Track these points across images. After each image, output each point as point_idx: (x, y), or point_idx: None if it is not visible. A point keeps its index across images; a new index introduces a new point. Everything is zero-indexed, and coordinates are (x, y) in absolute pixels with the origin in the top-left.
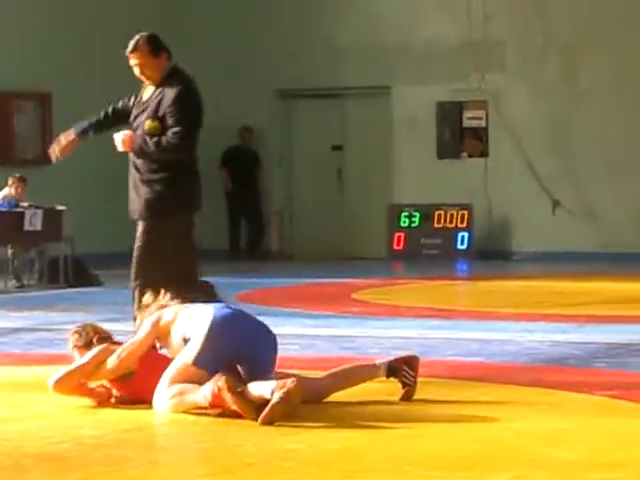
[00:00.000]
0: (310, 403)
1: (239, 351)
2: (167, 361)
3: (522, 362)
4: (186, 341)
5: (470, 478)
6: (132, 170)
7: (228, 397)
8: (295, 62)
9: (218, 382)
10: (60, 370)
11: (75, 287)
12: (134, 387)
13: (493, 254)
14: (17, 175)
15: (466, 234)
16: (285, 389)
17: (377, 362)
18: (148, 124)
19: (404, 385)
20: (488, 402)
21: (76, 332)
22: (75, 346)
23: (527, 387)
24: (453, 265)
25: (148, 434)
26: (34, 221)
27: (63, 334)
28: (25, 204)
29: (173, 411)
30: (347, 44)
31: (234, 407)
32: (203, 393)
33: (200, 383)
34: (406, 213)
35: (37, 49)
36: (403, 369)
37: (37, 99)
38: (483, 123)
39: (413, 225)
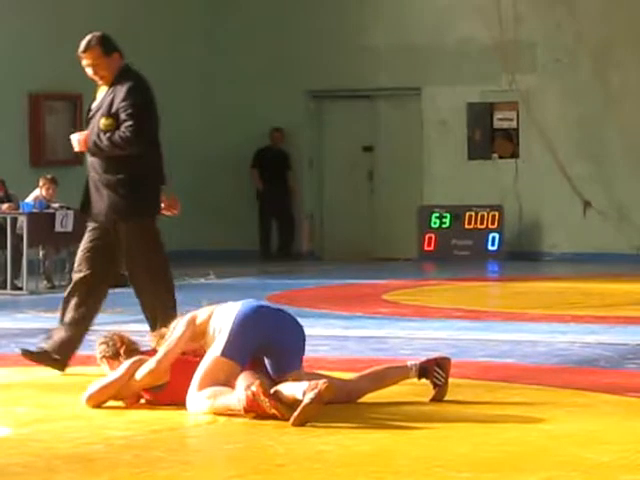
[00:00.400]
0: (342, 404)
1: (266, 340)
2: (195, 364)
3: (553, 363)
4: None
5: (501, 479)
6: (90, 171)
7: (266, 402)
8: (326, 63)
9: (252, 387)
10: (92, 385)
11: None
12: (167, 396)
13: (524, 255)
14: (48, 176)
15: (497, 235)
16: (317, 390)
17: (409, 363)
18: (102, 122)
19: (435, 386)
20: (519, 403)
21: (103, 342)
22: (103, 357)
23: (558, 388)
24: (484, 266)
25: (178, 435)
26: (65, 222)
27: (94, 335)
28: (56, 205)
29: (204, 412)
30: (378, 45)
31: (272, 411)
32: (237, 397)
33: (231, 374)
34: (437, 214)
35: (68, 51)
36: (434, 370)
37: (68, 100)
38: (514, 124)
39: (444, 226)
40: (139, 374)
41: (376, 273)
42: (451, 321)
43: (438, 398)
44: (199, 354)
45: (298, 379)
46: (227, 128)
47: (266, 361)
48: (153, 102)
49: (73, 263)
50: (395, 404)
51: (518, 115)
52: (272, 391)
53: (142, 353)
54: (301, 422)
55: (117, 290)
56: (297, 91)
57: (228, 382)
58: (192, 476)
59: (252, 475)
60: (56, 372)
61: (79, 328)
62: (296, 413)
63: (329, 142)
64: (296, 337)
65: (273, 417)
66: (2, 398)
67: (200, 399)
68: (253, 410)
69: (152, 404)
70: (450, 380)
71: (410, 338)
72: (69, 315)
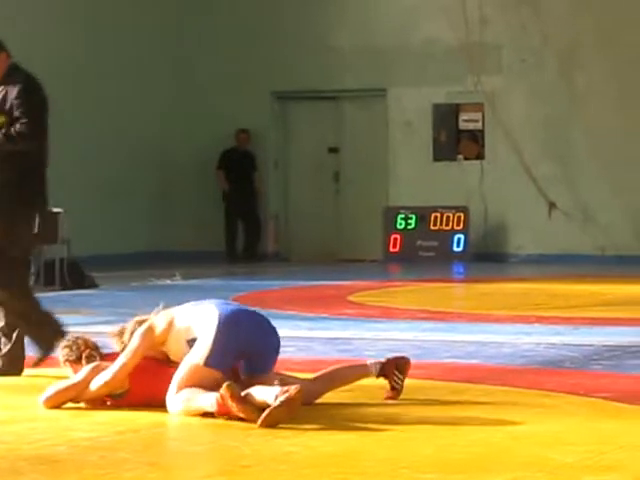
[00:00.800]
0: (304, 405)
1: (247, 346)
2: (157, 367)
3: (518, 364)
4: (189, 342)
5: None
6: None
7: (233, 406)
8: (291, 64)
9: (221, 390)
10: (50, 388)
11: (71, 289)
12: (129, 402)
13: (489, 256)
14: None
15: (462, 236)
16: (287, 394)
17: (368, 362)
18: None
19: (392, 388)
20: (484, 404)
21: (66, 346)
22: (67, 360)
23: (523, 389)
24: (449, 267)
25: (144, 436)
26: None
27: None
28: None
29: (182, 414)
30: (343, 46)
31: (240, 415)
32: (210, 401)
33: (214, 382)
34: (402, 215)
35: (32, 47)
36: (393, 372)
37: None
38: (479, 125)
39: (409, 227)
40: (94, 384)
41: (341, 274)
42: (416, 322)
43: (391, 398)
44: (160, 359)
45: (268, 381)
46: (193, 129)
47: (241, 364)
48: (45, 100)
49: (38, 264)
50: (361, 405)
51: (484, 116)
52: (243, 394)
53: (104, 358)
54: (268, 424)
55: (86, 291)
56: (262, 92)
57: (211, 389)
58: (157, 477)
59: (218, 476)
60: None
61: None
62: (264, 415)
63: (294, 143)
64: (272, 340)
65: (242, 420)
66: None
67: (177, 402)
68: (224, 413)
69: (117, 406)
70: (415, 381)
71: (375, 339)
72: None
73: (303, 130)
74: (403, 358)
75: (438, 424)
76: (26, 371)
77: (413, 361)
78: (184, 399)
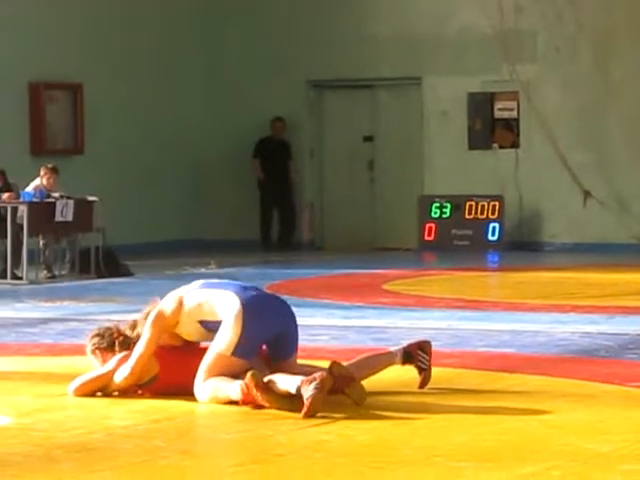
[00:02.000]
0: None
1: (272, 332)
2: (185, 353)
3: (553, 353)
4: (202, 322)
5: (500, 469)
6: None
7: (258, 395)
8: (327, 53)
9: (245, 380)
10: (79, 378)
11: (106, 277)
12: (160, 388)
13: (524, 245)
14: (49, 165)
15: (497, 225)
16: (317, 381)
17: (392, 349)
18: None
19: (420, 370)
20: (519, 393)
21: (97, 335)
22: (97, 348)
23: (558, 378)
24: (484, 256)
25: (178, 424)
26: (65, 212)
27: (94, 324)
28: (56, 194)
29: (209, 402)
30: (379, 35)
31: (265, 403)
32: (235, 390)
33: (241, 370)
34: (437, 204)
35: (69, 40)
36: (418, 354)
37: (68, 89)
38: (514, 114)
39: (444, 216)
40: (117, 377)
41: (376, 263)
42: (451, 311)
43: (425, 383)
44: (180, 344)
45: (293, 365)
46: (229, 118)
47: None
48: None
49: (73, 252)
50: (394, 393)
51: (519, 105)
52: (266, 380)
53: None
54: (312, 414)
55: (121, 280)
56: (298, 81)
57: (237, 376)
58: (192, 465)
59: (251, 464)
60: (57, 362)
61: None
62: (305, 407)
63: (330, 132)
64: (292, 323)
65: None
66: (2, 387)
67: (204, 391)
68: (249, 402)
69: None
70: (450, 370)
71: (410, 328)
72: None
73: (338, 119)
74: (425, 341)
75: (472, 413)
76: (62, 360)
77: (448, 350)
78: (212, 388)
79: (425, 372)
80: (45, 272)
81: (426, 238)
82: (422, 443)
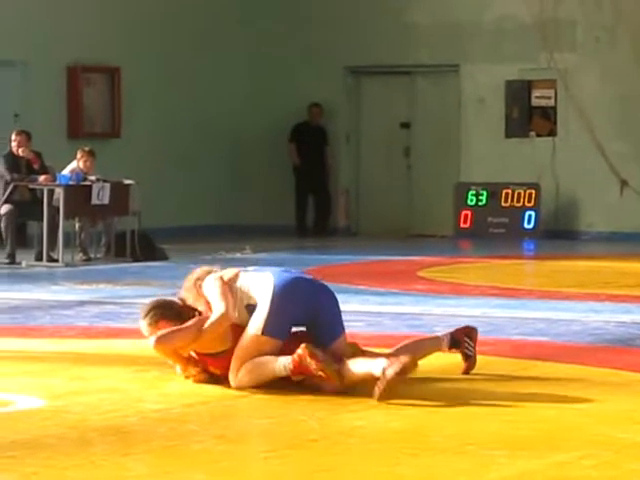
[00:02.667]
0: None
1: (305, 314)
2: None
3: (587, 342)
4: (248, 307)
5: (533, 457)
6: None
7: (312, 364)
8: (365, 39)
9: (298, 350)
10: (160, 332)
11: (141, 261)
12: (225, 364)
13: (560, 234)
14: (86, 148)
15: (533, 213)
16: (401, 364)
17: (440, 335)
18: None
19: (466, 357)
20: (552, 381)
21: (159, 306)
22: (161, 319)
23: (592, 367)
24: (519, 244)
25: (212, 409)
26: (102, 195)
27: (129, 308)
28: (93, 178)
29: (249, 385)
30: (418, 22)
31: (319, 373)
32: (282, 363)
33: (272, 351)
34: (473, 191)
35: (107, 24)
36: (465, 341)
37: (106, 72)
38: (552, 102)
39: (480, 204)
40: (209, 322)
41: (412, 250)
42: (486, 299)
43: (469, 369)
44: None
45: (342, 348)
46: (266, 103)
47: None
48: None
49: (109, 236)
50: (428, 381)
51: (556, 93)
52: (341, 365)
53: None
54: (386, 396)
55: (156, 264)
56: (336, 67)
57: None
58: (226, 450)
59: (285, 450)
60: (91, 344)
61: None
62: (381, 388)
63: (366, 118)
64: (331, 304)
65: (316, 383)
66: (37, 370)
67: (243, 373)
68: (301, 373)
69: (207, 372)
70: (484, 357)
71: (445, 315)
72: None
73: (375, 105)
74: (471, 327)
75: (505, 400)
76: (97, 342)
77: (482, 337)
78: (248, 371)
79: (470, 359)
80: (81, 255)
81: (462, 225)
82: (455, 430)
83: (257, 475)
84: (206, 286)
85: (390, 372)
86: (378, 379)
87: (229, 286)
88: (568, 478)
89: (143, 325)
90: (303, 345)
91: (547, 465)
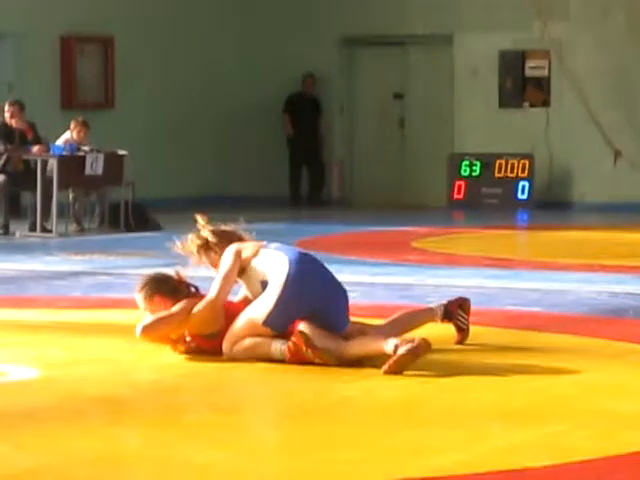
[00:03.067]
0: None
1: (311, 308)
2: None
3: (581, 312)
4: (262, 283)
5: (527, 428)
6: None
7: (309, 352)
8: (359, 9)
9: (293, 338)
10: (146, 319)
11: (135, 231)
12: (217, 344)
13: (553, 204)
14: (79, 119)
15: (527, 184)
16: (415, 343)
17: (433, 306)
18: None
19: (459, 329)
20: (546, 352)
21: (155, 281)
22: (156, 293)
23: (585, 337)
24: (513, 215)
25: (206, 380)
26: (95, 165)
27: (122, 278)
28: (86, 148)
29: (243, 358)
30: None
31: (316, 360)
32: (279, 348)
33: (267, 337)
34: (467, 162)
35: None
36: (458, 313)
37: (99, 43)
38: (545, 72)
39: (474, 174)
40: (198, 307)
41: (405, 220)
42: (479, 269)
43: (462, 341)
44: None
45: (349, 336)
46: (259, 73)
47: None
48: None
49: (103, 206)
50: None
51: (550, 63)
52: (351, 342)
53: (199, 294)
54: (395, 371)
55: (150, 234)
56: (329, 37)
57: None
58: (219, 421)
59: (280, 421)
60: (86, 315)
61: None
62: (390, 362)
63: (360, 89)
64: (340, 299)
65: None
66: (31, 340)
67: (238, 349)
68: (296, 360)
69: (201, 352)
70: (478, 328)
71: (438, 286)
72: None
73: (369, 75)
74: (464, 299)
75: (499, 371)
76: (91, 313)
77: (476, 308)
78: (244, 348)
79: (463, 331)
80: (74, 225)
81: (455, 196)
82: (449, 401)
83: (251, 446)
84: (223, 257)
85: (402, 350)
86: (389, 356)
87: (243, 263)
88: (562, 449)
89: (138, 298)
90: (297, 331)
91: (541, 436)
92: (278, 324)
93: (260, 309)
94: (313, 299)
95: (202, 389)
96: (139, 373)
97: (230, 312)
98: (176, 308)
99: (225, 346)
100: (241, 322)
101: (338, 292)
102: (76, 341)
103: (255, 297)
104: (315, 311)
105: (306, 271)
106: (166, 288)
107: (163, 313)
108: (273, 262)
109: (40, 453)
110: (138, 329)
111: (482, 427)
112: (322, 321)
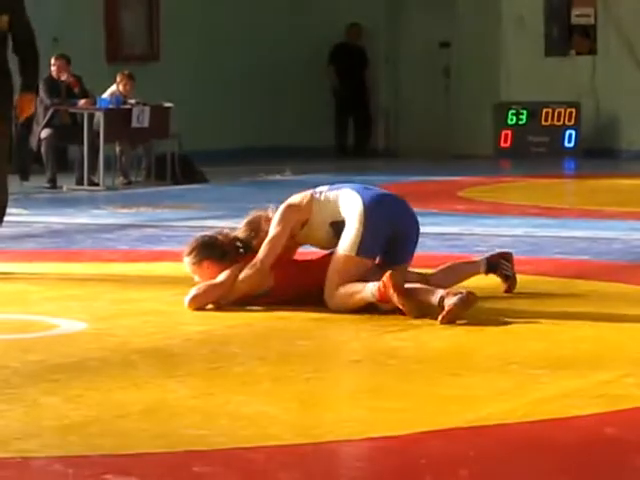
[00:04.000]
0: None
1: (394, 229)
2: (299, 269)
3: (629, 260)
4: (333, 224)
5: (575, 377)
6: None
7: (394, 296)
8: None
9: (383, 278)
10: (194, 288)
11: (182, 184)
12: (269, 301)
13: (600, 152)
14: (125, 72)
15: (573, 132)
16: (464, 294)
17: (476, 259)
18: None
19: (506, 278)
20: (594, 300)
21: (203, 245)
22: (205, 258)
23: (634, 286)
24: (560, 163)
25: (254, 331)
26: (141, 118)
27: (170, 230)
28: (132, 101)
29: (345, 310)
30: None
31: (399, 306)
32: (370, 290)
33: (366, 270)
34: (513, 111)
35: None
36: (502, 263)
37: None
38: (592, 20)
39: (520, 123)
40: (241, 277)
41: (452, 170)
42: (527, 218)
43: (511, 290)
44: (292, 248)
45: (404, 273)
46: (304, 24)
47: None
48: None
49: (149, 159)
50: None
51: (596, 11)
52: (406, 287)
53: (248, 256)
54: (449, 320)
55: (197, 186)
56: None
57: (364, 278)
58: (267, 372)
59: (327, 372)
60: (133, 268)
61: None
62: (444, 312)
63: (405, 38)
64: (415, 224)
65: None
66: (79, 293)
67: (337, 300)
68: (385, 301)
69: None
70: (526, 277)
71: (486, 235)
72: None
73: (414, 25)
74: (506, 251)
75: (547, 319)
76: (139, 266)
77: (523, 257)
78: (343, 295)
79: (510, 279)
80: (121, 178)
81: (502, 145)
82: (497, 350)
83: (299, 396)
84: (273, 219)
85: (454, 300)
86: (436, 307)
87: (302, 216)
88: (611, 397)
89: (187, 262)
90: (388, 274)
91: (590, 384)
92: (370, 249)
93: (348, 243)
94: (393, 221)
95: (250, 340)
96: (187, 325)
97: (283, 270)
98: (222, 277)
99: (327, 297)
100: (335, 264)
101: (412, 219)
102: (124, 293)
103: (327, 243)
104: (395, 233)
105: (381, 194)
106: (215, 252)
107: (210, 282)
108: (341, 199)
109: (90, 405)
110: (186, 300)
111: (531, 376)
112: (396, 245)
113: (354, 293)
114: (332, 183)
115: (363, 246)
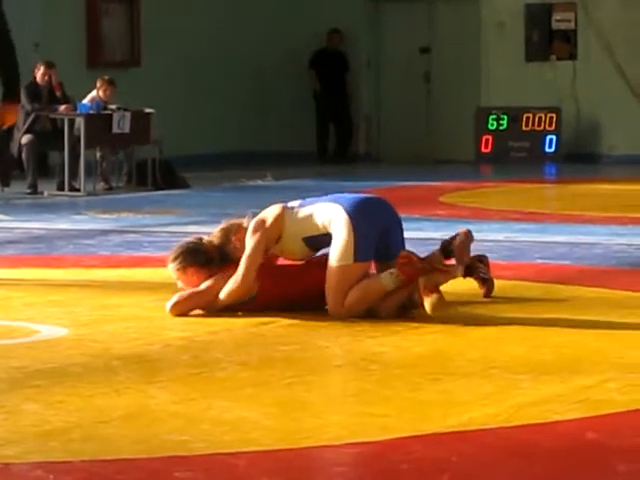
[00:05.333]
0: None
1: (381, 228)
2: (281, 268)
3: (610, 265)
4: (306, 239)
5: (556, 381)
6: None
7: (418, 264)
8: None
9: (399, 260)
10: (177, 295)
11: (163, 189)
12: (259, 306)
13: (581, 157)
14: (105, 77)
15: (554, 137)
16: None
17: (454, 263)
18: None
19: (483, 281)
20: (575, 305)
21: (189, 251)
22: (190, 265)
23: (614, 290)
24: (541, 168)
25: (236, 336)
26: (122, 124)
27: (151, 236)
28: (113, 106)
29: (360, 309)
30: None
31: (438, 266)
32: (388, 275)
33: (365, 273)
34: (494, 116)
35: None
36: (478, 266)
37: (124, 1)
38: (572, 25)
39: (501, 128)
40: (224, 292)
41: (433, 175)
42: (508, 223)
43: (489, 293)
44: (273, 258)
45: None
46: (285, 29)
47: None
48: None
49: (130, 164)
50: (450, 305)
51: (576, 16)
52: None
53: (231, 264)
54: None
55: (178, 192)
56: None
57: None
58: (250, 377)
59: (309, 376)
60: (114, 273)
61: None
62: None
63: (386, 43)
64: (396, 219)
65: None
66: (60, 299)
67: (350, 302)
68: (411, 277)
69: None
70: (506, 282)
71: None
72: None
73: (395, 30)
74: (481, 255)
75: (529, 325)
76: (120, 271)
77: (504, 262)
78: (356, 299)
79: (487, 282)
80: (102, 184)
81: (483, 150)
82: (478, 355)
83: (281, 401)
84: (248, 234)
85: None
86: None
87: (273, 232)
88: (592, 402)
89: (171, 268)
90: (402, 253)
91: (571, 389)
92: (366, 254)
93: (342, 252)
94: (378, 220)
95: (232, 345)
96: (169, 330)
97: (265, 278)
98: (206, 285)
99: (334, 307)
100: (333, 278)
101: (392, 213)
102: (106, 299)
103: (301, 255)
104: (382, 231)
105: (357, 200)
106: (199, 259)
107: (193, 290)
108: (317, 215)
109: (71, 411)
110: (168, 306)
111: (512, 380)
112: (386, 241)
113: (369, 290)
114: (305, 196)
115: (360, 252)
